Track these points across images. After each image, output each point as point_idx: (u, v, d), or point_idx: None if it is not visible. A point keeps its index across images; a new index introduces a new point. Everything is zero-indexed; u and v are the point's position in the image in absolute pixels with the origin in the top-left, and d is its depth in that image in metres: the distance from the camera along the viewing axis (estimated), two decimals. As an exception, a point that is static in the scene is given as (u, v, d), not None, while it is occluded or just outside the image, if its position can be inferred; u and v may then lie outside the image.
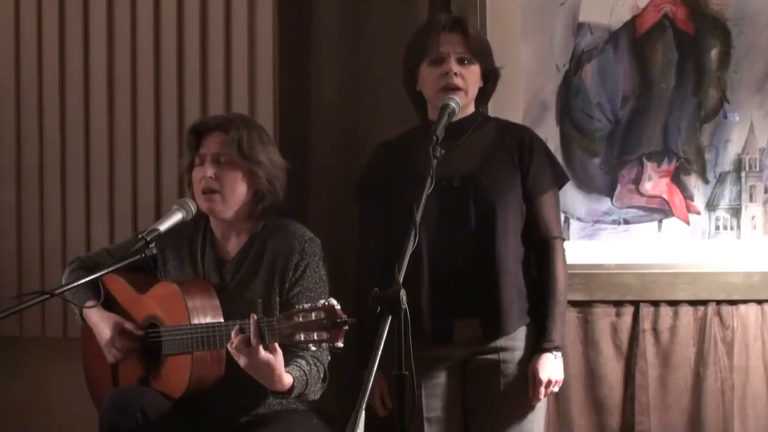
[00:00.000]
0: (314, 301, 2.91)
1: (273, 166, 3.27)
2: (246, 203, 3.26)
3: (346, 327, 2.79)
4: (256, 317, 2.90)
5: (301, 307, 2.84)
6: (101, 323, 3.28)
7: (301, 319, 2.82)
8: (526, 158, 3.25)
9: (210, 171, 3.21)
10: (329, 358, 3.14)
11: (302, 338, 2.82)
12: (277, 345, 2.90)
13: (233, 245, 3.29)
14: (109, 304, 3.32)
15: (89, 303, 3.26)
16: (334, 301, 2.81)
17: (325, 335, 2.79)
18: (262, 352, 2.89)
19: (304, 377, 3.03)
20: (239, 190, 3.23)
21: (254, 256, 3.25)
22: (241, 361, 2.93)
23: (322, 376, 3.11)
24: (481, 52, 3.25)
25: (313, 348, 2.88)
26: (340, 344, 2.81)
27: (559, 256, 3.26)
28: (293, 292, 3.19)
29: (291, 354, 3.04)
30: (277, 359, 2.91)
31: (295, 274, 3.20)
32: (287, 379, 2.96)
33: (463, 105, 3.21)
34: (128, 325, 3.26)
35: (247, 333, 2.90)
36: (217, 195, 3.21)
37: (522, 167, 3.25)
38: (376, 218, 3.31)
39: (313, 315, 2.81)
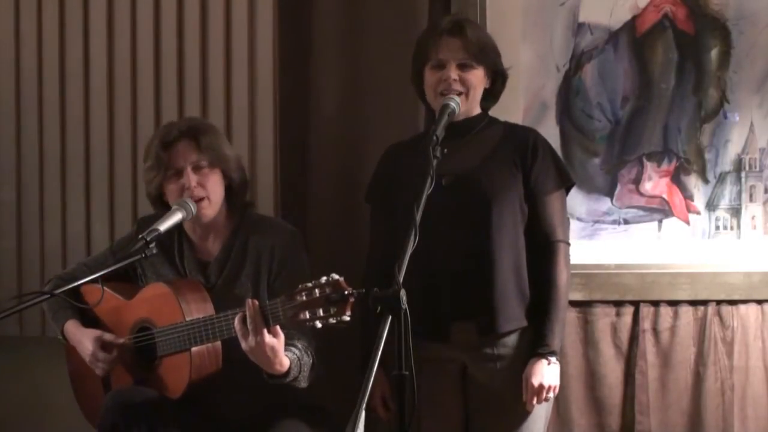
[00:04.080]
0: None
1: (233, 156, 3.32)
2: (223, 201, 3.28)
3: (353, 299, 2.80)
4: (256, 302, 2.91)
5: (303, 285, 2.85)
6: (83, 339, 3.28)
7: (304, 297, 2.84)
8: (528, 159, 3.23)
9: (194, 180, 3.22)
10: (315, 345, 3.14)
11: (307, 316, 2.83)
12: (278, 328, 2.92)
13: (213, 246, 3.30)
14: (93, 315, 3.31)
15: (69, 321, 3.31)
16: (336, 275, 2.82)
17: (332, 309, 2.80)
18: (267, 337, 2.90)
19: (298, 362, 3.05)
20: (220, 190, 3.26)
21: (237, 253, 3.26)
22: (245, 345, 2.94)
23: (311, 363, 3.11)
24: (483, 55, 3.23)
25: (319, 325, 2.86)
26: (348, 317, 2.82)
27: (560, 259, 3.21)
28: (278, 281, 3.20)
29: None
30: (280, 342, 2.93)
31: (278, 265, 3.22)
32: (286, 362, 2.98)
33: (464, 109, 3.21)
34: (108, 336, 3.25)
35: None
36: (205, 201, 3.22)
37: (524, 168, 3.22)
38: (383, 220, 3.31)
39: (317, 291, 2.82)
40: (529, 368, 3.17)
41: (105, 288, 3.25)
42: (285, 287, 3.13)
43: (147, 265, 3.32)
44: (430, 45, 3.24)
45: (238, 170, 3.30)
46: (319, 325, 2.86)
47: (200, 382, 3.12)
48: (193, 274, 3.28)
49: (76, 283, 3.05)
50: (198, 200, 3.21)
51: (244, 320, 2.92)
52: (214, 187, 3.24)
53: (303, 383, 3.10)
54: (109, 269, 3.06)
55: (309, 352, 3.11)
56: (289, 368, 3.00)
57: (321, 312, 2.82)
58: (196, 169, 3.23)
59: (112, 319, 3.30)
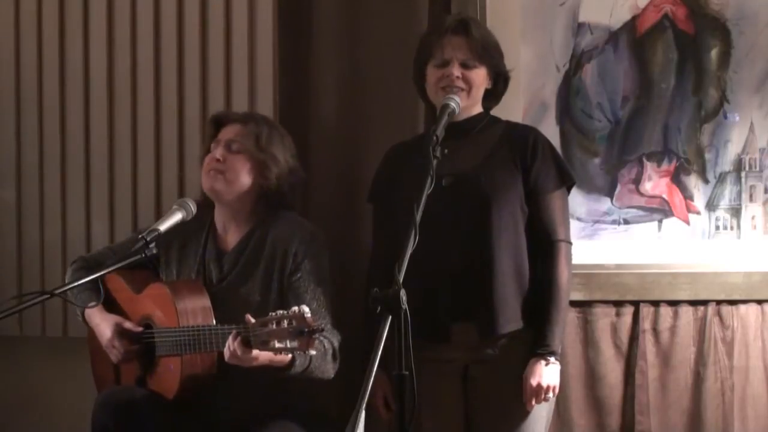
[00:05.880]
0: (315, 288, 2.98)
1: (287, 166, 3.31)
2: (248, 194, 3.28)
3: (315, 336, 2.80)
4: (235, 332, 2.93)
5: (275, 314, 2.85)
6: (102, 324, 3.30)
7: (274, 326, 2.83)
8: (528, 158, 3.23)
9: (219, 153, 3.26)
10: (340, 337, 3.15)
11: (276, 346, 2.83)
12: (257, 351, 2.92)
13: (233, 237, 3.31)
14: (109, 303, 3.34)
15: (90, 304, 3.27)
16: (305, 309, 2.81)
17: (296, 343, 2.80)
18: (250, 356, 2.92)
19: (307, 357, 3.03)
20: (243, 177, 3.26)
21: (254, 247, 3.26)
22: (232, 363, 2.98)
23: (331, 352, 3.11)
24: (486, 55, 3.23)
25: (289, 356, 2.92)
26: (312, 352, 2.83)
27: (561, 259, 3.20)
28: (294, 277, 3.19)
29: None
30: (263, 356, 2.93)
31: (295, 261, 3.21)
32: (283, 359, 2.98)
33: (465, 106, 3.21)
34: (128, 325, 3.28)
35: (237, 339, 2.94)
36: (220, 175, 3.24)
37: (524, 167, 3.22)
38: (386, 220, 3.31)
39: (285, 322, 2.82)
40: (529, 368, 3.16)
41: (121, 278, 3.34)
42: (299, 289, 3.15)
43: (175, 248, 3.33)
44: (434, 43, 3.25)
45: (280, 175, 3.27)
46: (288, 356, 2.90)
47: (193, 386, 3.13)
48: (210, 263, 3.29)
49: (76, 283, 3.05)
50: (215, 172, 3.23)
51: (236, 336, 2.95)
52: (237, 171, 3.25)
53: (320, 374, 3.09)
54: (109, 269, 3.08)
55: (324, 340, 3.08)
56: (292, 360, 2.98)
57: (287, 343, 2.82)
58: (228, 147, 3.27)
59: (124, 309, 3.34)
